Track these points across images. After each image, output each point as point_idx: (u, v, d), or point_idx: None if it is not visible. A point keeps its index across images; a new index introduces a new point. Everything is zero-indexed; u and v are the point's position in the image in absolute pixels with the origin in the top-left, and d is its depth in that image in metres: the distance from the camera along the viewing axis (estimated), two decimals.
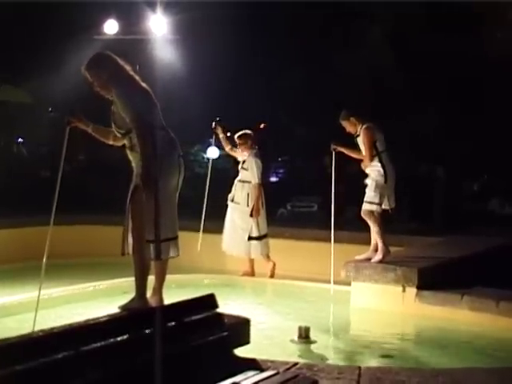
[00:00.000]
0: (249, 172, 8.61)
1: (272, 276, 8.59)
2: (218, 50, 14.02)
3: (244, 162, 8.70)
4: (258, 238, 8.62)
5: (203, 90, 14.39)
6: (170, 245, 4.60)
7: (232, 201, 8.73)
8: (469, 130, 13.02)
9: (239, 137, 8.72)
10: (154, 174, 4.38)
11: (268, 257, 8.71)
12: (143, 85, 4.67)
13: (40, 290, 5.27)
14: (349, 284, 7.10)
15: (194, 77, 14.12)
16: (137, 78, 4.67)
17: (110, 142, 4.93)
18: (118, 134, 4.66)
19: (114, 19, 13.35)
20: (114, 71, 4.59)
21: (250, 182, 8.61)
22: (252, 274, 8.69)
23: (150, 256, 4.53)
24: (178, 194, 4.78)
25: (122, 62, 4.66)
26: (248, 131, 8.78)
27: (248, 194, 8.60)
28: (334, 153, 8.02)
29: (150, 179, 4.35)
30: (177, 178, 4.67)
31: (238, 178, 8.75)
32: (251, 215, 8.53)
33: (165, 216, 4.48)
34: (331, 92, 13.67)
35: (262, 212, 8.69)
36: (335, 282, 7.59)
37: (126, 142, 4.64)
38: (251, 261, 8.71)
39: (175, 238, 4.68)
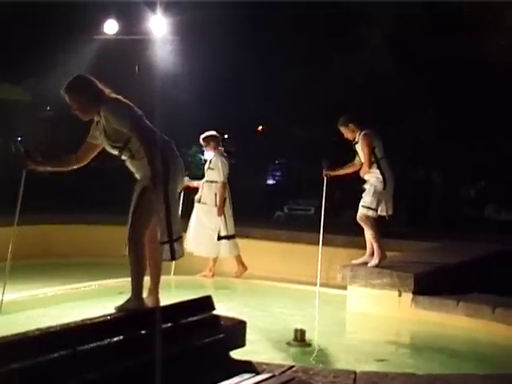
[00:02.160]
0: (215, 172, 8.61)
1: (238, 277, 8.66)
2: (218, 50, 13.99)
3: (210, 162, 8.71)
4: (227, 238, 8.64)
5: (202, 90, 14.36)
6: (179, 244, 4.66)
7: (199, 202, 8.71)
8: (467, 134, 12.99)
9: (204, 138, 8.72)
10: (163, 175, 4.41)
11: (239, 257, 8.76)
12: (126, 101, 4.69)
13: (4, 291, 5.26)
14: (345, 288, 7.09)
15: (193, 77, 14.10)
16: (119, 97, 4.68)
17: (75, 167, 4.93)
18: (115, 150, 4.64)
19: (113, 19, 13.35)
20: (94, 95, 4.59)
21: (217, 182, 8.61)
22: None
23: (166, 257, 4.57)
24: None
25: (101, 86, 4.67)
26: (213, 132, 8.74)
27: (215, 194, 8.60)
28: (325, 179, 7.98)
29: (159, 181, 4.37)
30: (179, 179, 4.71)
31: (205, 179, 8.73)
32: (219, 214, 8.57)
33: (174, 216, 4.54)
34: (330, 94, 13.63)
35: (230, 212, 8.70)
36: (331, 286, 7.59)
37: (123, 156, 4.64)
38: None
39: (181, 238, 4.74)
